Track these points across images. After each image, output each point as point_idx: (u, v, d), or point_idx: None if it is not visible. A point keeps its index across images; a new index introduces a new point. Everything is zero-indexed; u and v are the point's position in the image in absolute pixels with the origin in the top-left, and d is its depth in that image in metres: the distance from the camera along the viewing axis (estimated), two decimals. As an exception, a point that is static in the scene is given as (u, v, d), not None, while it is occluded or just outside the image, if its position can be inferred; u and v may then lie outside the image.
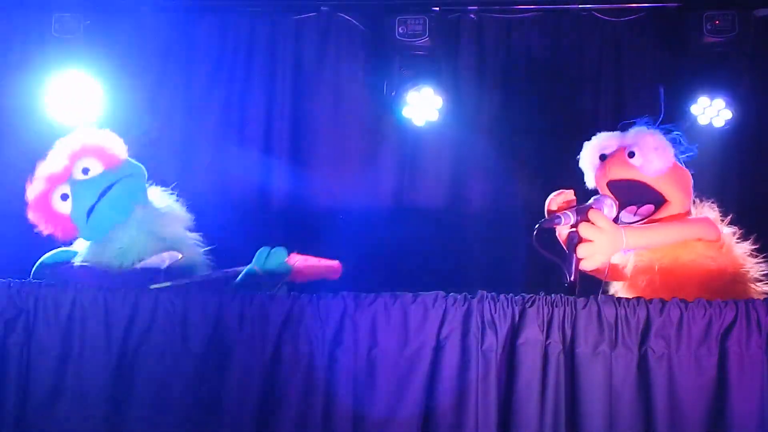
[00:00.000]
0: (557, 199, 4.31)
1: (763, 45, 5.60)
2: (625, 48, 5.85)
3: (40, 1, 5.84)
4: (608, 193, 4.48)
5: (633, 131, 4.56)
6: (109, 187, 4.49)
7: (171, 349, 3.93)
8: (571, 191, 4.31)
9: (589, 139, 4.65)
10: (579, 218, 4.13)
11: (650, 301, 3.87)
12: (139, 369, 3.91)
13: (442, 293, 3.92)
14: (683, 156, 4.57)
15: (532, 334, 3.83)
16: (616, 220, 4.33)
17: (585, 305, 3.85)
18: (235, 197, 5.89)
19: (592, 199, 4.26)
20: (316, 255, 4.51)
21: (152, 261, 4.45)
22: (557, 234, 4.31)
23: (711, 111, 5.57)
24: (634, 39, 5.84)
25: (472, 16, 5.94)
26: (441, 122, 5.84)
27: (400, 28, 5.71)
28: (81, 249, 4.52)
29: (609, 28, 5.86)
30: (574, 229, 4.11)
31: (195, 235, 4.59)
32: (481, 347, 3.86)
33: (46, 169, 4.54)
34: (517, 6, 5.95)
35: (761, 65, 5.61)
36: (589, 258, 4.12)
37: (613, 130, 4.62)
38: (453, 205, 5.88)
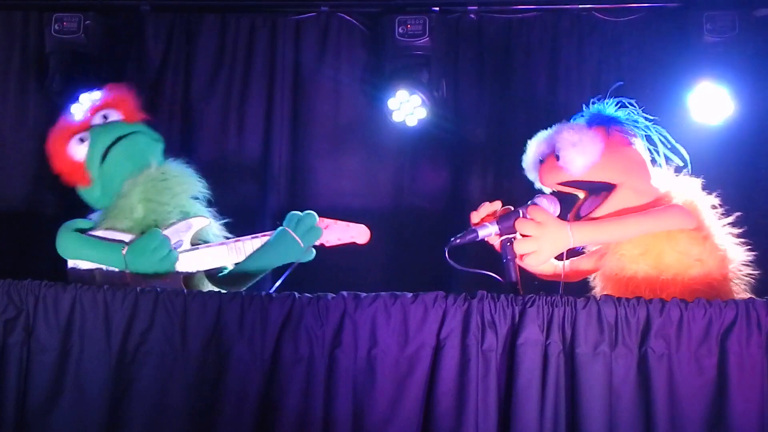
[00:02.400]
0: (480, 212, 4.24)
1: (763, 45, 5.59)
2: (625, 48, 5.85)
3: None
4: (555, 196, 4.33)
5: (554, 129, 4.40)
6: (127, 135, 4.50)
7: (171, 349, 3.93)
8: (498, 202, 4.25)
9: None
10: (502, 225, 4.11)
11: (650, 301, 3.87)
12: (139, 369, 3.91)
13: (442, 293, 3.92)
14: (643, 125, 4.42)
15: (532, 334, 3.83)
16: (564, 217, 4.24)
17: (585, 305, 3.85)
18: (235, 197, 5.88)
19: (529, 202, 4.20)
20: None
21: (178, 226, 4.42)
22: (492, 245, 4.25)
23: (710, 109, 5.56)
24: (634, 39, 5.83)
25: (472, 16, 5.93)
26: (440, 122, 5.83)
27: (400, 28, 5.70)
28: (96, 219, 4.49)
29: (609, 28, 5.86)
30: (509, 236, 4.09)
31: (207, 208, 4.59)
32: (481, 347, 3.86)
33: (66, 120, 4.58)
34: (517, 6, 5.94)
35: (761, 65, 5.61)
36: (532, 255, 4.08)
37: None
38: (453, 205, 5.88)
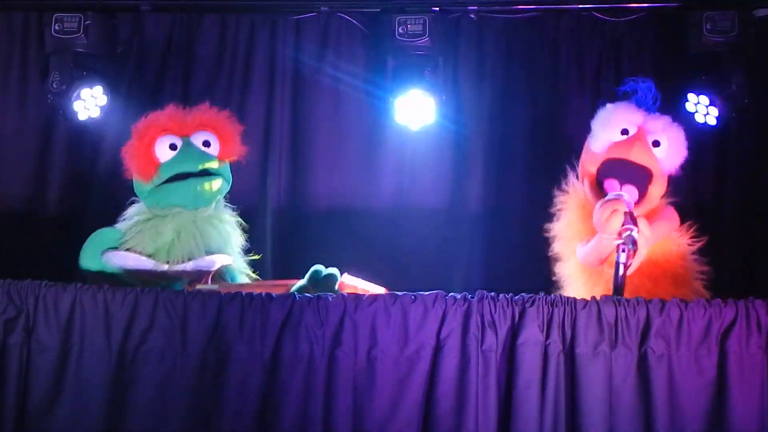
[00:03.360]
0: (621, 210, 4.22)
1: (762, 45, 5.59)
2: (625, 48, 5.85)
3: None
4: (610, 164, 4.50)
5: (661, 120, 4.62)
6: (211, 175, 4.57)
7: (171, 349, 3.93)
8: (624, 199, 4.29)
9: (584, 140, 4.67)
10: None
11: (650, 301, 3.87)
12: (139, 369, 3.92)
13: (442, 293, 3.92)
14: None
15: (532, 334, 3.83)
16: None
17: (585, 305, 3.85)
18: (235, 197, 5.88)
19: (624, 202, 4.24)
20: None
21: (203, 263, 4.46)
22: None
23: (709, 110, 5.56)
24: (634, 39, 5.83)
25: (472, 16, 5.93)
26: (440, 122, 5.83)
27: (400, 28, 5.70)
28: (126, 229, 4.53)
29: (609, 28, 5.85)
30: (629, 245, 4.08)
31: (244, 262, 4.68)
32: (481, 347, 3.86)
33: (163, 114, 4.66)
34: (517, 6, 5.94)
35: (761, 65, 5.60)
36: (634, 265, 4.16)
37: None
38: (453, 205, 5.87)
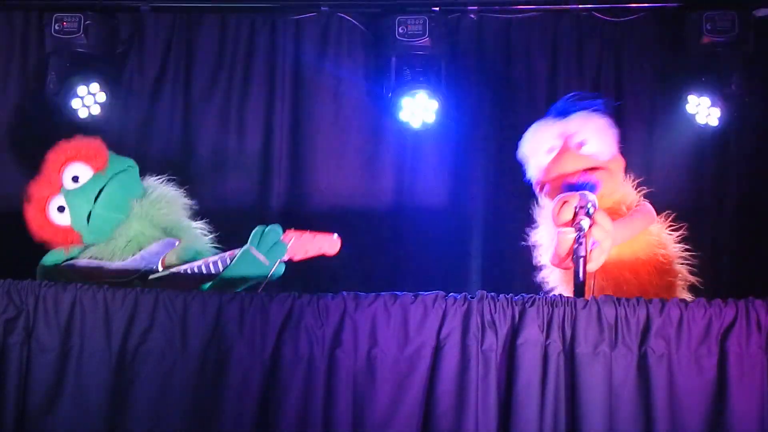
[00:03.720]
0: (573, 203, 4.15)
1: (762, 45, 5.59)
2: (625, 48, 5.85)
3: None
4: (558, 183, 4.46)
5: (575, 118, 4.53)
6: (101, 190, 4.50)
7: (171, 349, 3.93)
8: (578, 194, 4.22)
9: None
10: (590, 223, 4.07)
11: (650, 301, 3.87)
12: (139, 369, 3.91)
13: (442, 293, 3.92)
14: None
15: (532, 334, 3.83)
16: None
17: (585, 305, 3.85)
18: (235, 197, 5.88)
19: (581, 194, 4.17)
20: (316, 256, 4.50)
21: (150, 249, 4.45)
22: (556, 241, 4.23)
23: (710, 110, 5.56)
24: (634, 39, 5.83)
25: (472, 16, 5.94)
26: (440, 122, 5.84)
27: (400, 29, 5.71)
28: (83, 246, 4.52)
29: (609, 28, 5.86)
30: (580, 233, 4.03)
31: (198, 223, 4.59)
32: (481, 347, 3.86)
33: (37, 185, 4.54)
34: (517, 6, 5.95)
35: (761, 65, 5.61)
36: (596, 259, 4.12)
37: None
38: (453, 205, 5.88)
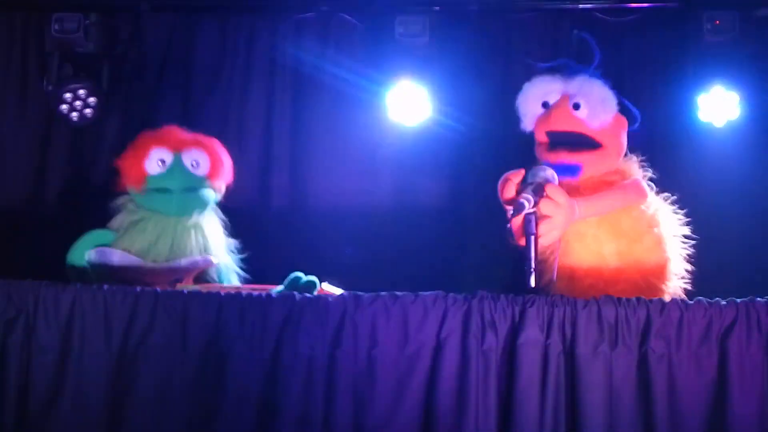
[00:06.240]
0: (515, 180, 4.11)
1: (763, 45, 5.59)
2: (625, 48, 5.85)
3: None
4: (545, 139, 4.46)
5: (578, 80, 4.52)
6: (193, 191, 4.66)
7: (171, 349, 3.93)
8: (523, 171, 4.15)
9: None
10: (537, 198, 3.96)
11: (650, 301, 3.87)
12: (139, 369, 3.92)
13: (442, 293, 3.92)
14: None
15: (532, 334, 3.83)
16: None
17: (585, 305, 3.85)
18: (235, 198, 5.88)
19: (536, 169, 4.13)
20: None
21: (186, 261, 4.50)
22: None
23: (713, 110, 5.56)
24: (634, 39, 5.83)
25: (472, 16, 5.93)
26: (440, 122, 5.83)
27: (400, 28, 5.71)
28: (117, 228, 4.63)
29: (609, 28, 5.86)
30: (532, 210, 3.89)
31: (236, 258, 4.72)
32: (481, 347, 3.86)
33: (167, 129, 4.77)
34: (517, 6, 5.94)
35: (762, 65, 5.61)
36: (547, 234, 4.02)
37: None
38: (453, 205, 5.88)
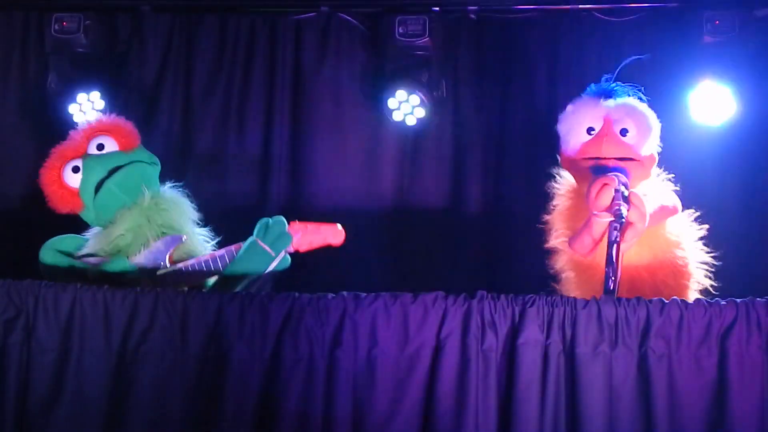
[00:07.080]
0: (613, 186, 4.09)
1: (763, 45, 5.59)
2: (625, 48, 5.84)
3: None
4: (592, 163, 4.41)
5: (621, 104, 4.49)
6: (121, 166, 4.52)
7: (171, 349, 3.93)
8: (614, 177, 4.16)
9: None
10: (628, 205, 4.02)
11: (650, 301, 3.87)
12: (139, 369, 3.92)
13: (442, 293, 3.92)
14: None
15: (532, 334, 3.83)
16: None
17: (585, 305, 3.85)
18: (235, 198, 5.88)
19: (615, 176, 4.12)
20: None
21: (157, 245, 4.45)
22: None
23: (710, 110, 5.56)
24: (634, 39, 5.83)
25: (472, 16, 5.93)
26: (441, 122, 5.84)
27: (400, 28, 5.70)
28: (90, 236, 4.53)
29: (609, 28, 5.85)
30: (620, 219, 3.96)
31: (202, 230, 4.61)
32: (481, 347, 3.86)
33: (62, 147, 4.60)
34: (517, 6, 5.94)
35: (761, 65, 5.61)
36: (629, 241, 4.05)
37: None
38: (453, 205, 5.87)
